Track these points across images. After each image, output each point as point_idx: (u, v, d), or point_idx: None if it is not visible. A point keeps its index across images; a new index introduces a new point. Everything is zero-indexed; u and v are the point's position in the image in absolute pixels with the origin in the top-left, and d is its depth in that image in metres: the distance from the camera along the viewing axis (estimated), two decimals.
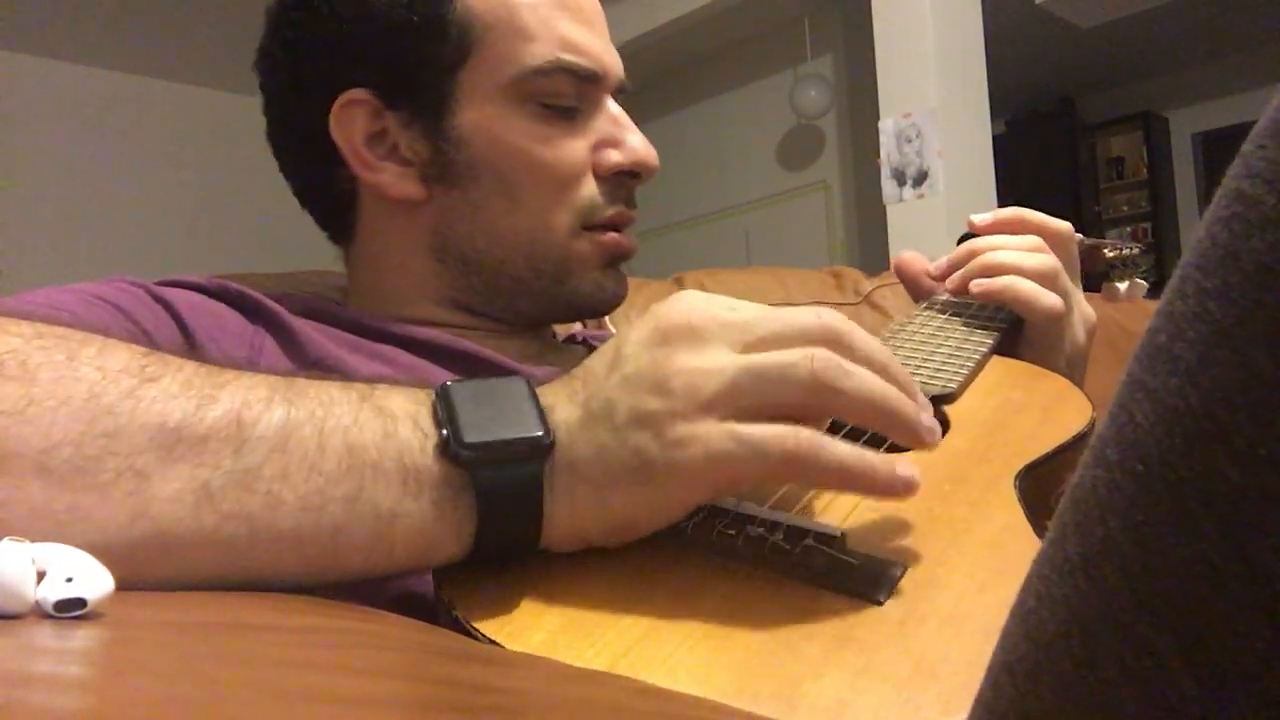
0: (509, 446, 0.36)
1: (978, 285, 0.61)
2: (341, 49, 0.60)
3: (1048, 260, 0.61)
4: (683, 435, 0.35)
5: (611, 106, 0.64)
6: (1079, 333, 0.62)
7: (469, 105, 0.60)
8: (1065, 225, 0.64)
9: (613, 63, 0.64)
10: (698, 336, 0.37)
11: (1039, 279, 0.60)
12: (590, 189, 0.62)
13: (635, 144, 0.63)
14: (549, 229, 0.62)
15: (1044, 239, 0.63)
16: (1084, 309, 0.63)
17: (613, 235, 0.64)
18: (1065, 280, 0.61)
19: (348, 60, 0.60)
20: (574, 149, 0.62)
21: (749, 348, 0.37)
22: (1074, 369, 0.61)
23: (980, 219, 0.67)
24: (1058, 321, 0.59)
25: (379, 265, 0.66)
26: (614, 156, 0.63)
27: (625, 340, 0.39)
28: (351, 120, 0.60)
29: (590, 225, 0.63)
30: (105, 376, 0.34)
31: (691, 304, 0.39)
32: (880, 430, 0.39)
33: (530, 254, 0.62)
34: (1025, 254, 0.61)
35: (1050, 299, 0.59)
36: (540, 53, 0.60)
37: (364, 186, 0.63)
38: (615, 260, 0.65)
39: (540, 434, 0.36)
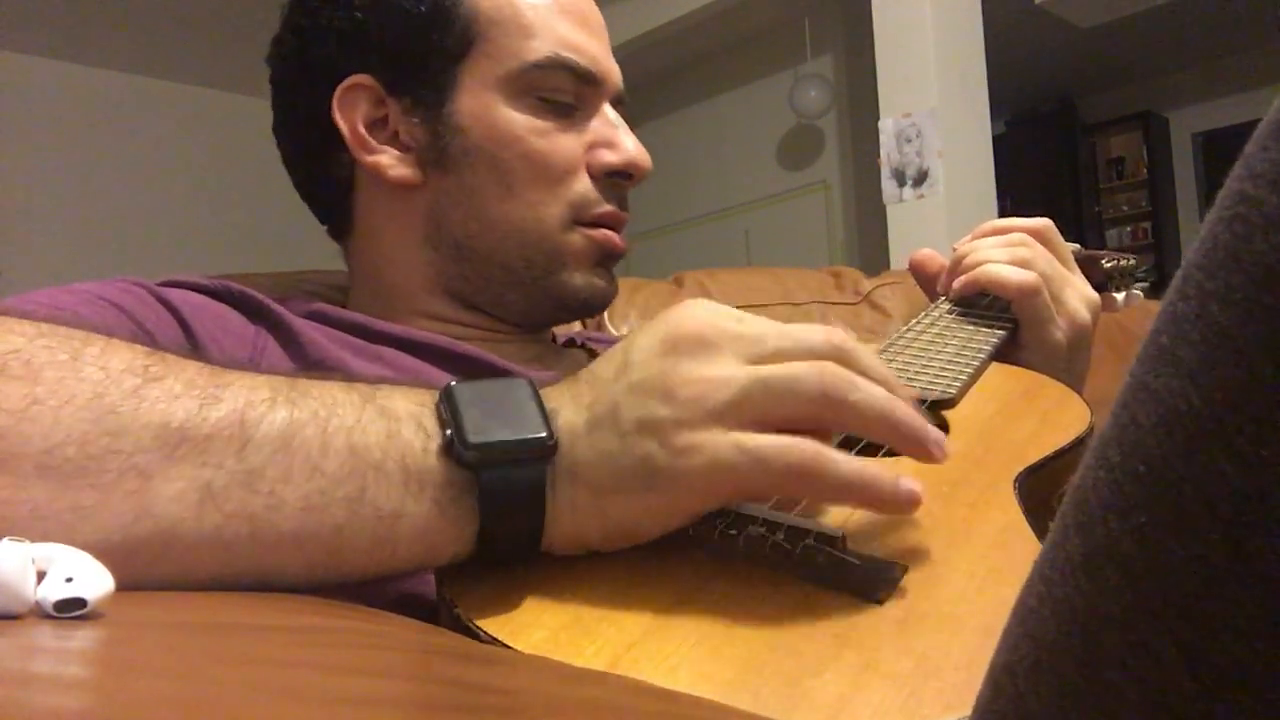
0: (513, 448, 0.36)
1: (958, 281, 0.65)
2: (351, 35, 0.63)
3: (1020, 250, 0.64)
4: (688, 444, 0.35)
5: (609, 111, 0.66)
6: (1077, 309, 0.64)
7: (468, 94, 0.62)
8: (1042, 221, 0.67)
9: (611, 70, 0.66)
10: (707, 347, 0.37)
11: (1011, 263, 0.64)
12: (584, 184, 0.64)
13: (629, 145, 0.65)
14: (541, 219, 0.63)
15: (1027, 236, 0.66)
16: (1083, 290, 0.66)
17: (604, 231, 0.65)
18: (1044, 264, 0.64)
19: (356, 46, 0.63)
20: (569, 144, 0.63)
21: (758, 360, 0.37)
22: (1075, 348, 0.63)
23: (961, 241, 0.71)
24: (1034, 296, 0.62)
25: (375, 257, 0.67)
26: (608, 156, 0.64)
27: (633, 346, 0.38)
28: (354, 104, 0.63)
29: (583, 220, 0.64)
30: (109, 376, 0.34)
31: (701, 314, 0.38)
32: (889, 444, 0.39)
33: (522, 242, 0.63)
34: (998, 248, 0.65)
35: (1022, 275, 0.62)
36: (541, 48, 0.62)
37: (363, 170, 0.65)
38: (607, 259, 0.66)
39: (544, 435, 0.36)
